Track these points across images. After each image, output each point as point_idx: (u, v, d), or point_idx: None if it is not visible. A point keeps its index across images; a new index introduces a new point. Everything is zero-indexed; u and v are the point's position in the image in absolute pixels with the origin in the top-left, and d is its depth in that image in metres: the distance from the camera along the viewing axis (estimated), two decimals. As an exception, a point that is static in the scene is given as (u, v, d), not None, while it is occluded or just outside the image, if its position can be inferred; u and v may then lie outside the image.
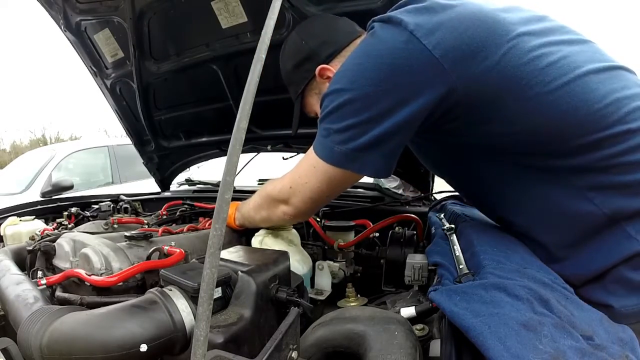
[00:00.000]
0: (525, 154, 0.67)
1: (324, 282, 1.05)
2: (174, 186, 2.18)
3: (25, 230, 1.26)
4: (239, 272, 0.64)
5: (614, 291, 0.64)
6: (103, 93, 1.85)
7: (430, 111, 0.64)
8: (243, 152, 1.34)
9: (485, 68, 0.60)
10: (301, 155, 0.99)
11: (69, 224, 1.40)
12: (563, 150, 0.64)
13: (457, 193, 1.12)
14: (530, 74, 0.61)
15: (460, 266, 0.63)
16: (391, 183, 2.72)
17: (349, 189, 1.55)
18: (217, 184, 1.90)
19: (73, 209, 1.50)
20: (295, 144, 1.63)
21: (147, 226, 1.30)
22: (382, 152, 0.67)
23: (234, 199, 0.54)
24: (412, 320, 0.62)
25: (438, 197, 1.34)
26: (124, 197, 1.74)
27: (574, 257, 0.67)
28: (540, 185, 0.68)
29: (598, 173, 0.63)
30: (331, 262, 1.07)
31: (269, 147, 1.71)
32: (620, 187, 0.63)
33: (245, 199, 1.01)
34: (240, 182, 1.89)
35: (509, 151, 0.68)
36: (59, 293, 0.79)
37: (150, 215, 1.54)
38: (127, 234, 0.94)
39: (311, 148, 0.75)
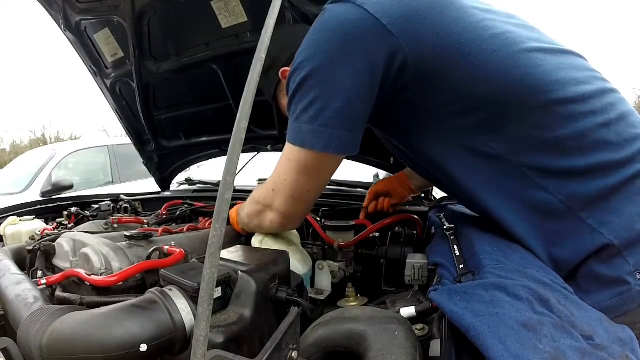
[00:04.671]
0: (470, 132, 0.67)
1: (324, 282, 1.05)
2: (174, 186, 2.17)
3: (25, 230, 1.26)
4: (239, 272, 0.64)
5: (587, 288, 0.65)
6: (103, 93, 1.85)
7: (383, 76, 0.65)
8: (243, 151, 1.34)
9: (430, 34, 0.63)
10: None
11: (69, 223, 1.40)
12: (506, 129, 0.65)
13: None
14: (474, 42, 0.63)
15: (461, 266, 0.63)
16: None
17: (349, 189, 1.55)
18: (217, 184, 1.90)
19: (73, 209, 1.50)
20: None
21: (147, 226, 1.30)
22: (347, 126, 0.67)
23: (234, 199, 0.54)
24: (412, 320, 0.62)
25: (438, 197, 1.34)
26: (124, 197, 1.74)
27: (546, 254, 0.67)
28: (495, 176, 0.68)
29: (545, 155, 0.64)
30: (331, 262, 1.07)
31: (269, 147, 1.71)
32: (571, 172, 0.64)
33: (245, 199, 1.01)
34: (240, 182, 1.89)
35: (456, 126, 0.68)
36: (58, 293, 0.79)
37: (150, 215, 1.54)
38: (127, 233, 0.94)
39: (286, 143, 0.75)
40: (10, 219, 1.30)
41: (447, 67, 0.64)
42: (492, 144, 0.67)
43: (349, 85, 0.64)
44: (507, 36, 0.65)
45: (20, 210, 1.51)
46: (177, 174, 2.16)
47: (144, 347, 0.51)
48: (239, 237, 1.08)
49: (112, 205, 1.58)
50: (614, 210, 0.63)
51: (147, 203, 1.83)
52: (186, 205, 1.53)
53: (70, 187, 3.72)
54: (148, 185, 2.40)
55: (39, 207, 1.58)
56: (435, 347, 0.56)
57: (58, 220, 1.43)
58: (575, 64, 0.69)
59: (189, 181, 2.09)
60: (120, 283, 0.75)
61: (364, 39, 0.63)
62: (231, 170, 0.33)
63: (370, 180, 1.63)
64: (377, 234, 1.10)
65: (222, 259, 0.70)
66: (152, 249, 0.85)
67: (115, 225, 1.28)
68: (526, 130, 0.65)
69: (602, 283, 0.64)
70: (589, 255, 0.64)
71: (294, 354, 0.49)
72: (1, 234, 1.29)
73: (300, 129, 0.69)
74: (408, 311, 0.64)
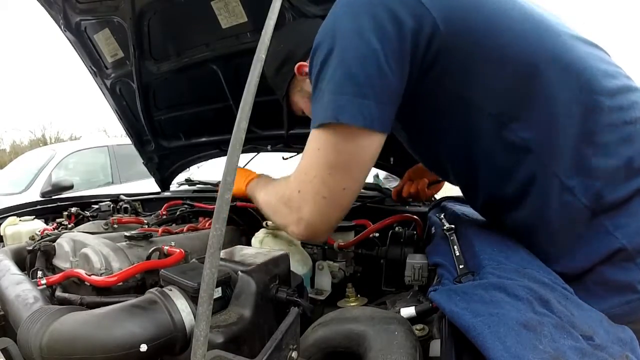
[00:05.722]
0: (498, 119, 0.64)
1: (324, 282, 1.05)
2: (174, 186, 2.18)
3: (25, 230, 1.26)
4: (239, 272, 0.64)
5: (595, 292, 0.62)
6: (103, 93, 1.85)
7: (412, 43, 0.61)
8: (243, 152, 1.34)
9: (460, 7, 0.61)
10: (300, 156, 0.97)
11: (69, 224, 1.40)
12: (534, 116, 0.62)
13: (457, 195, 1.12)
14: (504, 21, 0.61)
15: (460, 266, 0.63)
16: (391, 183, 2.72)
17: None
18: (217, 184, 1.90)
19: (73, 209, 1.50)
20: (295, 143, 1.63)
21: (147, 226, 1.30)
22: (375, 96, 0.61)
23: (233, 199, 0.54)
24: (412, 320, 0.62)
25: (438, 197, 1.34)
26: (124, 197, 1.74)
27: (555, 256, 0.65)
28: (519, 169, 0.65)
29: (572, 150, 0.61)
30: (331, 262, 1.07)
31: (269, 147, 1.71)
32: (598, 173, 0.61)
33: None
34: (240, 182, 1.89)
35: (486, 113, 0.64)
36: (58, 293, 0.79)
37: (150, 215, 1.54)
38: (127, 234, 0.94)
39: (311, 133, 0.67)
40: (10, 219, 1.30)
41: (476, 43, 0.61)
42: (521, 132, 0.63)
43: (378, 51, 0.59)
44: (537, 18, 0.63)
45: (20, 210, 1.51)
46: (177, 174, 2.16)
47: (144, 347, 0.51)
48: (239, 237, 1.08)
49: (112, 205, 1.58)
50: (632, 213, 0.61)
51: (147, 203, 1.83)
52: (186, 206, 1.53)
53: (70, 188, 3.72)
54: (148, 185, 2.40)
55: (39, 207, 1.59)
56: (435, 347, 0.56)
57: (58, 220, 1.44)
58: (603, 57, 0.66)
59: (188, 181, 2.09)
60: (120, 283, 0.75)
61: (392, 7, 0.60)
62: (231, 171, 0.33)
63: (371, 180, 1.63)
64: (377, 234, 1.10)
65: (222, 259, 0.70)
66: (152, 249, 0.85)
67: (115, 226, 1.29)
68: (555, 119, 0.61)
69: (611, 288, 0.61)
70: (600, 260, 0.62)
71: (294, 354, 0.49)
72: (1, 234, 1.29)
73: (323, 104, 0.62)
74: (408, 311, 0.64)
